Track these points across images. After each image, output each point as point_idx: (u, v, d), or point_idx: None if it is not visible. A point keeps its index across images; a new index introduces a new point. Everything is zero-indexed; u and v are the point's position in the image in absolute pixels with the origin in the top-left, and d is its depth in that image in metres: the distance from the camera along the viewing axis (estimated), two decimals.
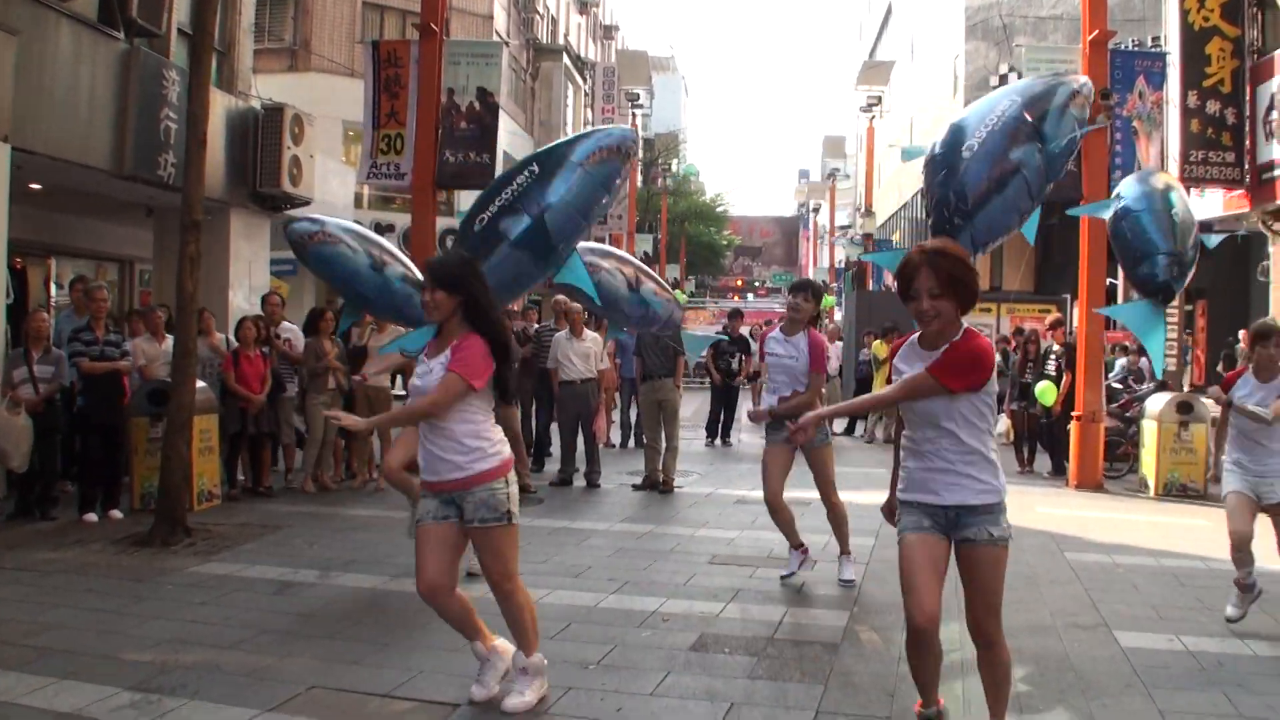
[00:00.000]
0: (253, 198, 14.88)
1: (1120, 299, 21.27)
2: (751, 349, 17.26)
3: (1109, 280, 15.03)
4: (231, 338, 11.90)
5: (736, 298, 63.19)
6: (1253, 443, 6.73)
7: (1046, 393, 14.22)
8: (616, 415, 17.52)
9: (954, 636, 6.61)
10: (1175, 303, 20.16)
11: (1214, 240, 9.75)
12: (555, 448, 13.86)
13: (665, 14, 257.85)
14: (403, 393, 7.82)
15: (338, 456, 12.43)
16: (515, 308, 28.10)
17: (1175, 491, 12.51)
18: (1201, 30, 14.36)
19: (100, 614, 6.78)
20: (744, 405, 14.61)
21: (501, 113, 15.52)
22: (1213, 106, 14.28)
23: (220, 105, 13.63)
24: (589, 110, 43.52)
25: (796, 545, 7.91)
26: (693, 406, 22.80)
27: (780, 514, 7.84)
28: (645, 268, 10.75)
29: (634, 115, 42.36)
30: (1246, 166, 14.21)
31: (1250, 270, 17.39)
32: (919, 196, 41.84)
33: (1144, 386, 16.32)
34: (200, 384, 10.22)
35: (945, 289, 4.25)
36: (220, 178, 13.76)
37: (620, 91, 43.79)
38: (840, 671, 5.76)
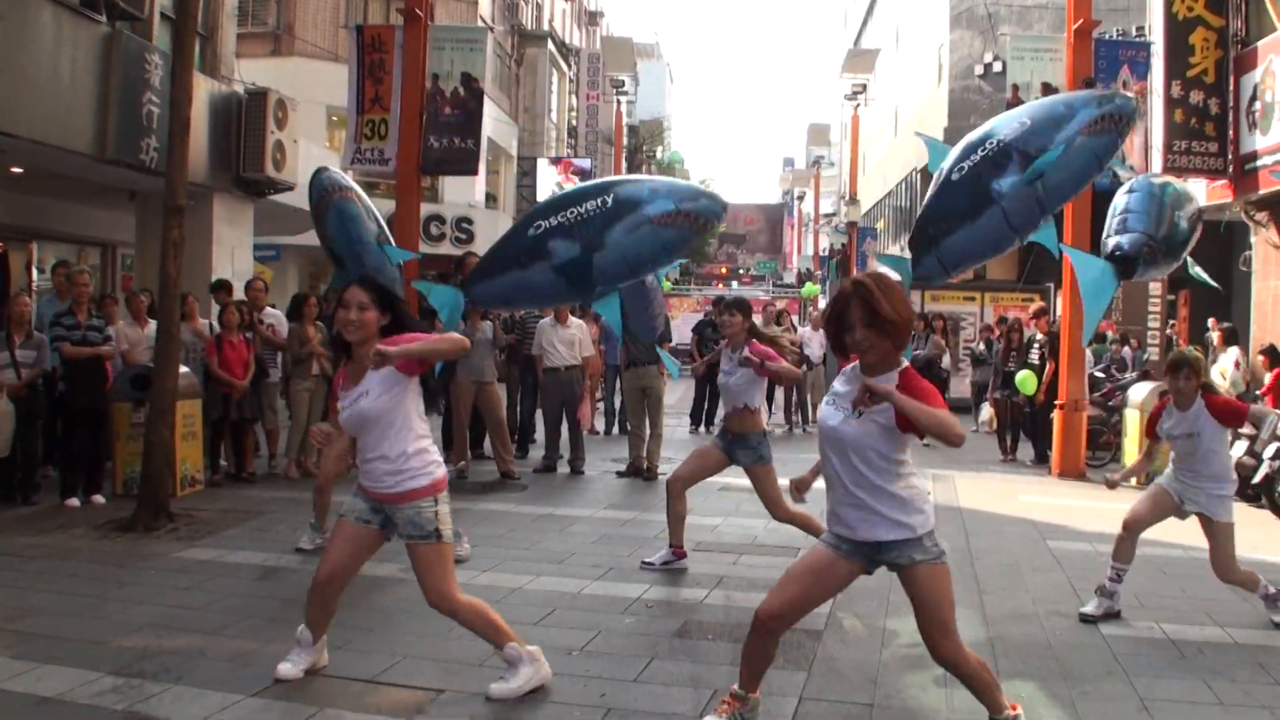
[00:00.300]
0: (236, 183, 14.83)
1: None
2: None
3: None
4: (214, 323, 11.85)
5: (721, 285, 63.14)
6: (1188, 469, 6.76)
7: (1026, 381, 14.27)
8: (601, 402, 17.54)
9: None
10: (1158, 292, 20.28)
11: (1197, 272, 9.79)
12: (540, 434, 13.86)
13: (650, 0, 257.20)
14: None
15: None
16: None
17: None
18: (1185, 20, 14.38)
19: (83, 599, 6.76)
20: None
21: (486, 98, 15.47)
22: (1196, 97, 14.30)
23: (203, 90, 13.56)
24: (573, 96, 43.44)
25: (678, 545, 7.94)
26: (677, 394, 22.80)
27: (679, 503, 7.91)
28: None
29: (618, 102, 42.21)
30: (1229, 157, 14.24)
31: (1233, 261, 17.46)
32: (903, 185, 41.94)
33: (1127, 375, 16.40)
34: (183, 369, 10.19)
35: (874, 319, 4.27)
36: (203, 162, 13.70)
37: (605, 78, 43.68)
38: (824, 659, 5.78)
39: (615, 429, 16.90)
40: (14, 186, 13.32)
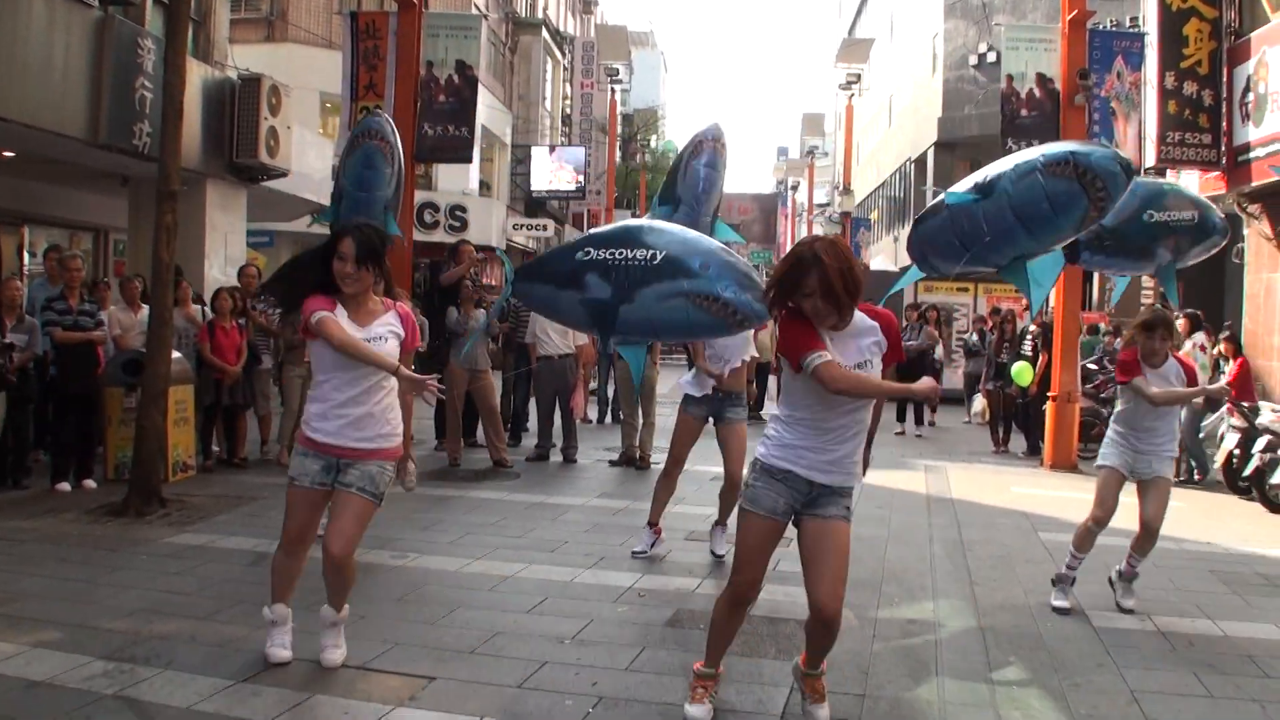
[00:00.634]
0: (229, 169, 14.80)
1: (1095, 278, 21.41)
2: None
3: None
4: (207, 308, 11.83)
5: None
6: (1144, 430, 6.77)
7: (1022, 373, 14.28)
8: (595, 391, 17.53)
9: (928, 615, 6.67)
10: (1149, 284, 20.28)
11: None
12: (533, 422, 13.85)
13: None
14: None
15: None
16: (494, 283, 28.07)
17: None
18: (1179, 11, 14.39)
19: (73, 583, 6.74)
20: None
21: (480, 86, 15.44)
22: (1190, 88, 14.31)
23: (196, 75, 13.52)
24: (568, 85, 43.34)
25: (655, 523, 8.07)
26: (670, 383, 22.77)
27: (672, 485, 8.05)
28: None
29: (613, 91, 42.10)
30: (1223, 148, 14.26)
31: (1225, 253, 17.45)
32: (897, 175, 41.96)
33: None
34: (176, 354, 10.17)
35: (837, 283, 4.29)
36: (196, 148, 13.67)
37: (599, 67, 43.54)
38: None
39: (608, 418, 16.89)
40: (6, 171, 13.28)
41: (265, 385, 12.06)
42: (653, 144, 64.73)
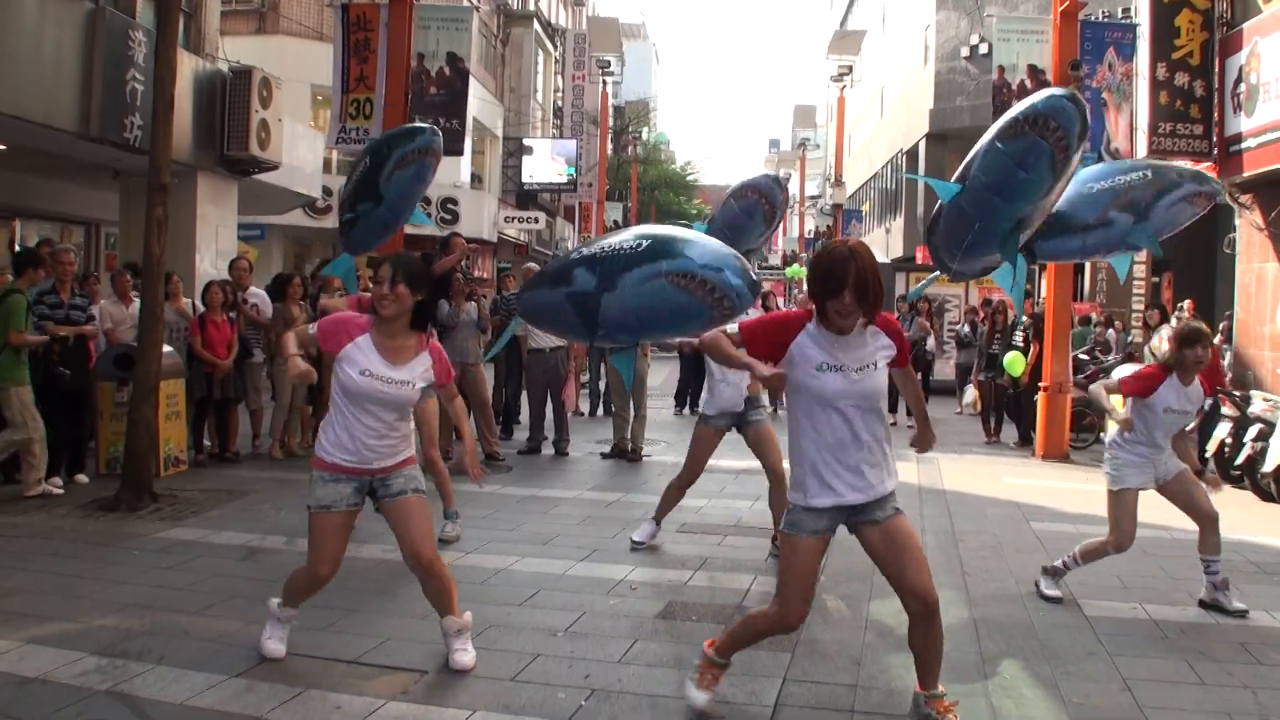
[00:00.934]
0: (220, 161, 14.75)
1: (1087, 269, 21.44)
2: None
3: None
4: (198, 302, 11.80)
5: None
6: (1155, 444, 6.54)
7: (1014, 363, 14.32)
8: (586, 385, 17.53)
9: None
10: (1141, 275, 20.31)
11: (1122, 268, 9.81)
12: (524, 415, 13.85)
13: None
14: None
15: (304, 423, 12.35)
16: (485, 275, 28.04)
17: None
18: (1171, 2, 14.38)
19: (65, 578, 6.73)
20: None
21: (471, 78, 15.42)
22: (1181, 79, 14.31)
23: (187, 67, 13.47)
24: (559, 77, 43.26)
25: (659, 520, 8.10)
26: (661, 375, 22.82)
27: (683, 494, 8.05)
28: None
29: (604, 82, 42.09)
30: (1214, 139, 14.27)
31: (1217, 243, 17.48)
32: (888, 167, 41.94)
33: (1110, 358, 16.45)
34: (167, 349, 10.14)
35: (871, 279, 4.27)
36: (187, 141, 13.62)
37: (591, 59, 43.49)
38: (807, 640, 5.78)
39: (600, 410, 16.90)
40: None
41: (257, 379, 12.04)
42: (644, 136, 64.72)
